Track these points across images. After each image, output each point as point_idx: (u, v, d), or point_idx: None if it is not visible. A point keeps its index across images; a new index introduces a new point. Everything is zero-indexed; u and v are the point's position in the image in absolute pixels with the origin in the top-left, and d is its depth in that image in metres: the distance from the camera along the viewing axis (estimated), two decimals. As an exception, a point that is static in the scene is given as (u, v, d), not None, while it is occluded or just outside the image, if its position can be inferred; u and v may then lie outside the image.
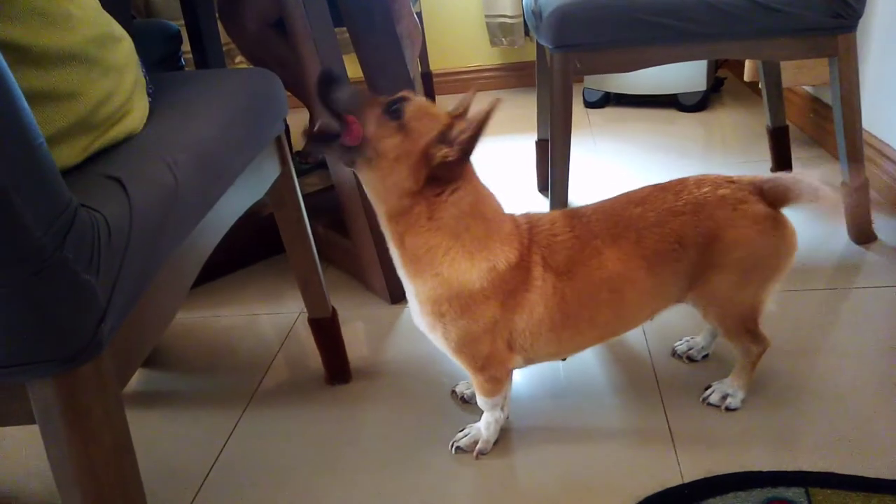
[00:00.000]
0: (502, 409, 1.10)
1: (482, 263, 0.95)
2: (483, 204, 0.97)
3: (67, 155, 0.69)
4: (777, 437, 1.09)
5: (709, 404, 1.16)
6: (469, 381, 1.12)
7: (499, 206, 1.01)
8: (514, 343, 1.01)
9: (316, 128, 0.94)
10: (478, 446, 1.10)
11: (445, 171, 0.92)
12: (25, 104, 0.55)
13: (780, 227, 1.02)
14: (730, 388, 1.15)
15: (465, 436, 1.12)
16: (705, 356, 1.28)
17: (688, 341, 1.29)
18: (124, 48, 0.81)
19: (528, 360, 1.06)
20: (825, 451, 1.04)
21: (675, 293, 1.07)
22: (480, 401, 1.08)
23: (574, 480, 1.05)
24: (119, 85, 0.76)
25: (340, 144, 0.91)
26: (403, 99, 0.93)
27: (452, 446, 1.11)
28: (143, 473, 0.69)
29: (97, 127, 0.72)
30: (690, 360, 1.27)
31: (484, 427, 1.10)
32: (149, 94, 0.87)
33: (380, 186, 0.94)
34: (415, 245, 0.95)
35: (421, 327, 1.03)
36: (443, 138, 0.91)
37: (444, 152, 0.91)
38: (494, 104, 0.88)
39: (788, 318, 1.35)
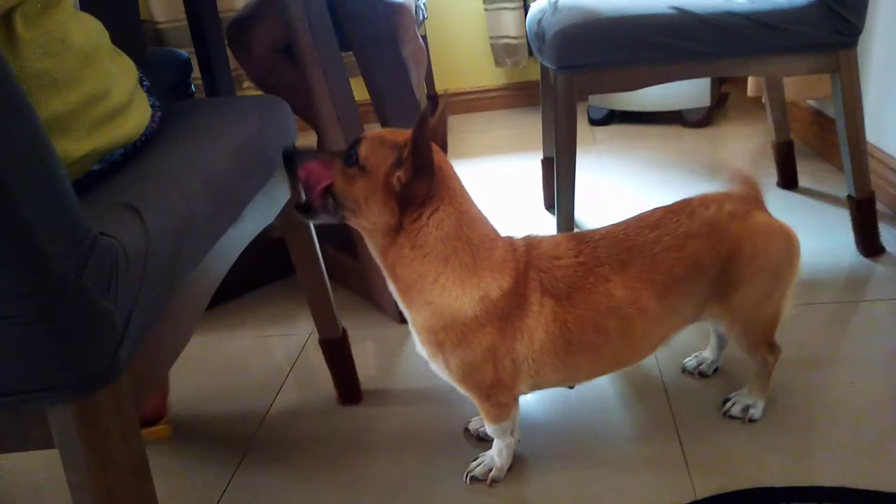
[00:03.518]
0: (512, 433, 1.09)
1: (473, 291, 0.94)
2: (468, 226, 0.94)
3: (66, 147, 0.71)
4: (789, 452, 1.08)
5: (731, 417, 1.15)
6: (480, 417, 1.11)
7: (489, 228, 0.98)
8: (519, 370, 0.99)
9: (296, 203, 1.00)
10: (491, 474, 1.09)
11: (411, 192, 0.91)
12: (47, 137, 0.57)
13: (785, 231, 1.05)
14: (750, 399, 1.15)
15: (479, 464, 1.11)
16: (716, 370, 1.28)
17: (697, 357, 1.30)
18: (124, 61, 0.87)
19: (534, 386, 1.05)
20: (838, 466, 1.04)
21: (689, 316, 1.07)
22: (489, 428, 1.08)
23: (585, 493, 1.04)
24: (114, 88, 0.80)
25: (317, 208, 0.96)
26: (358, 141, 0.93)
27: (467, 476, 1.10)
28: (158, 495, 0.70)
29: (92, 124, 0.75)
30: (702, 375, 1.27)
31: (496, 454, 1.09)
32: (155, 118, 0.91)
33: (366, 229, 0.96)
34: (405, 274, 0.95)
35: (423, 356, 1.03)
36: (399, 162, 0.91)
37: (397, 175, 0.90)
38: (425, 112, 0.85)
39: (798, 331, 1.35)
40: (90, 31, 0.80)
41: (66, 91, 0.72)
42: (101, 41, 0.82)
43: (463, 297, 0.94)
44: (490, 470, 1.09)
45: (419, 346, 1.02)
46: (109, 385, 0.62)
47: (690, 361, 1.29)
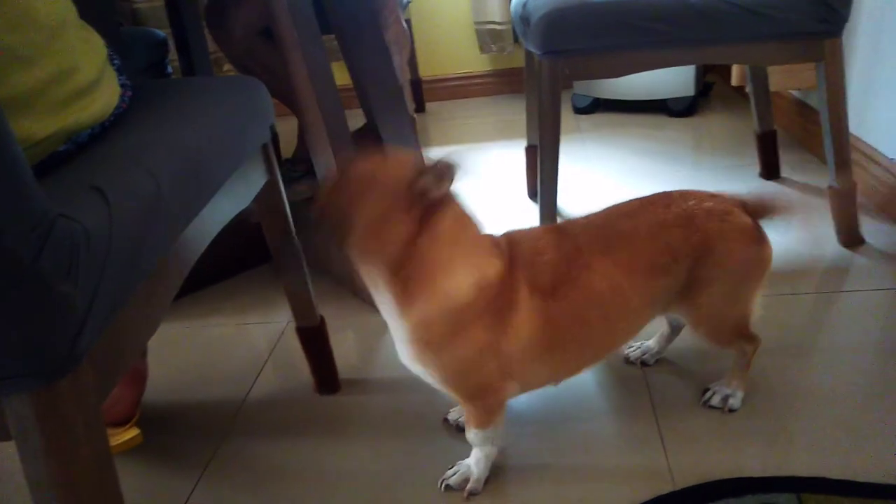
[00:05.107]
0: (493, 443, 1.04)
1: (466, 290, 0.91)
2: (461, 223, 0.92)
3: (30, 127, 0.68)
4: (768, 441, 1.08)
5: (711, 407, 1.15)
6: (459, 407, 1.07)
7: (478, 224, 0.96)
8: (506, 368, 0.97)
9: None
10: (469, 485, 1.04)
11: (431, 201, 0.87)
12: (1, 113, 0.54)
13: (763, 238, 1.05)
14: (729, 389, 1.15)
15: (455, 473, 1.06)
16: (657, 361, 1.28)
17: (640, 346, 1.30)
18: (93, 37, 0.83)
19: (524, 388, 1.03)
20: (816, 456, 1.04)
21: (660, 308, 1.07)
22: (471, 434, 1.03)
23: (566, 495, 1.03)
24: (82, 65, 0.77)
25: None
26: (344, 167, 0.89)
27: (441, 484, 1.06)
28: (125, 489, 0.68)
29: (57, 103, 0.72)
30: (644, 364, 1.28)
31: (474, 463, 1.05)
32: (125, 97, 0.87)
33: (375, 251, 0.89)
34: (402, 293, 0.90)
35: (406, 362, 0.98)
36: (421, 172, 0.86)
37: (424, 183, 0.85)
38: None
39: (778, 322, 1.35)
40: (56, 4, 0.76)
41: (30, 67, 0.69)
42: (68, 16, 0.79)
43: (456, 295, 0.91)
44: (466, 480, 1.05)
45: (404, 357, 0.98)
46: (70, 374, 0.59)
47: (634, 351, 1.29)
